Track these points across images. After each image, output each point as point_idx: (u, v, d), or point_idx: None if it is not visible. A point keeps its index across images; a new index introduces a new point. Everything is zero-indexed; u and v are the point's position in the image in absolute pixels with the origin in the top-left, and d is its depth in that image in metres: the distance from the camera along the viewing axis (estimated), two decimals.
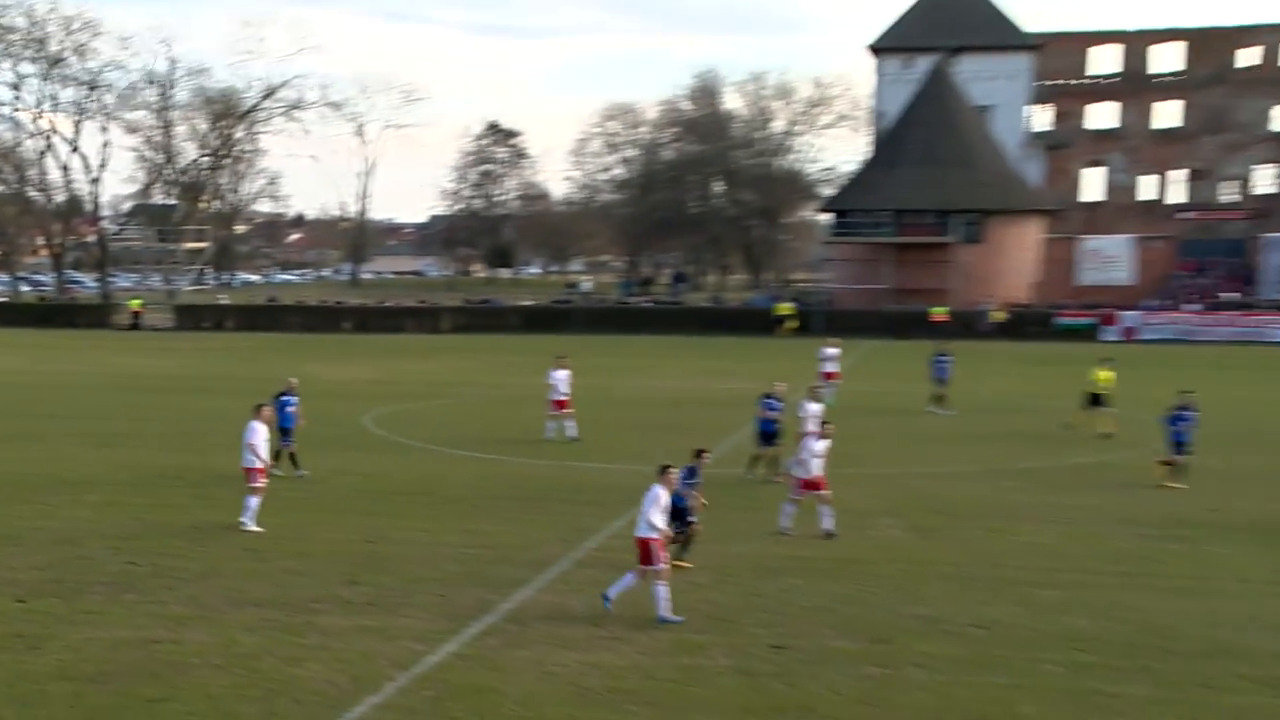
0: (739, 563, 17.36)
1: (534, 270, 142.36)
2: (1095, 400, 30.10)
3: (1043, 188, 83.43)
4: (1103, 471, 25.38)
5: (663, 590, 14.48)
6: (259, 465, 19.34)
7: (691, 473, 16.99)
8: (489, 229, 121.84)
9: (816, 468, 18.93)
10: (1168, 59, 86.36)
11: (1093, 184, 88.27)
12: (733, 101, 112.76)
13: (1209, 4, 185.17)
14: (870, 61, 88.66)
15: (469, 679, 12.65)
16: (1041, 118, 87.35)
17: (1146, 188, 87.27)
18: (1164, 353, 58.91)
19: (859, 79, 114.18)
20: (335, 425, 30.55)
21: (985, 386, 40.70)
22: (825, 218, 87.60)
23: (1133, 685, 12.56)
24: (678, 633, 14.15)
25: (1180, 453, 23.17)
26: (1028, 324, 66.99)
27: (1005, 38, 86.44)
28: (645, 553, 14.54)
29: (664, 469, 15.01)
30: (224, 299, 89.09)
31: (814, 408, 23.25)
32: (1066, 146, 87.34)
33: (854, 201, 78.23)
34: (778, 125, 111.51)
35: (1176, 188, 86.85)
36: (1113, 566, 17.42)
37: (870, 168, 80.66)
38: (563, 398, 28.83)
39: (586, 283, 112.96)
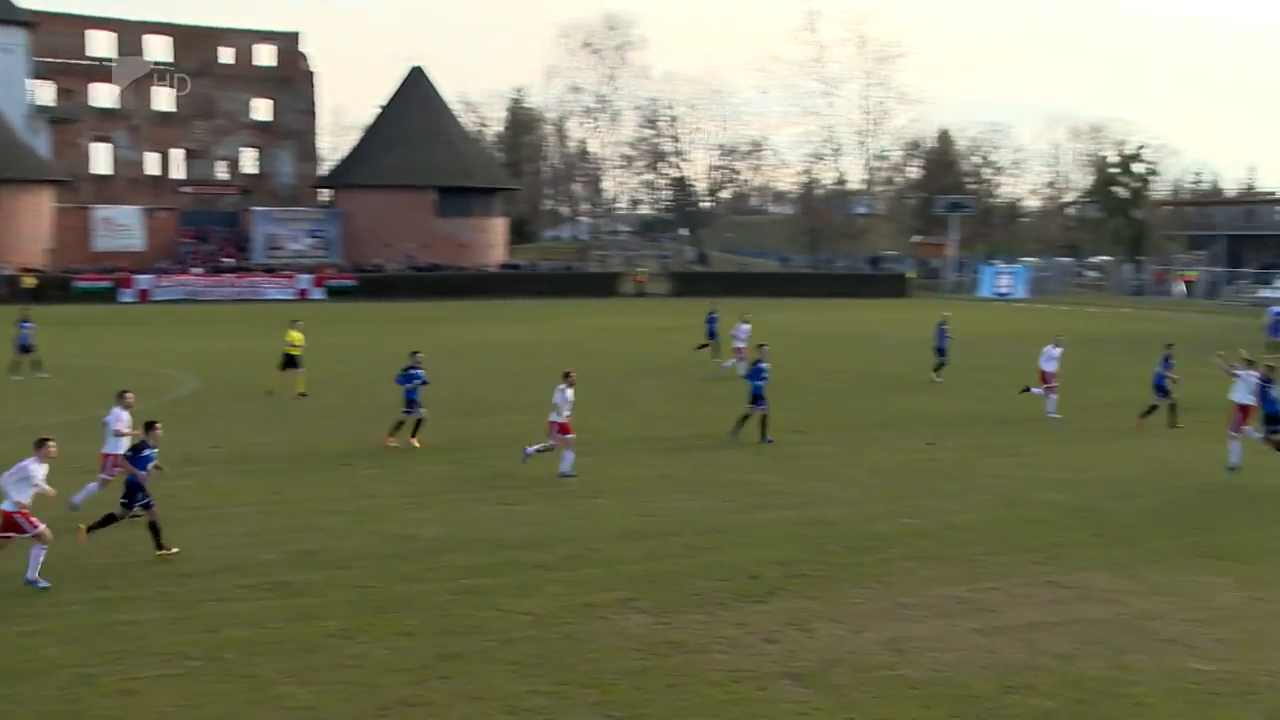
0: None
1: None
2: (290, 362, 28.01)
3: (52, 159, 78.08)
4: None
5: (39, 553, 12.96)
6: None
7: (139, 449, 14.12)
8: None
9: (123, 445, 15.86)
10: (159, 49, 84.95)
11: (102, 158, 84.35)
12: None
13: (193, 4, 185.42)
14: None
15: None
16: (45, 93, 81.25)
17: (151, 163, 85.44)
18: (176, 311, 59.02)
19: None
20: None
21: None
22: None
23: (151, 611, 12.46)
24: None
25: (411, 411, 21.27)
26: (50, 288, 62.64)
27: None
28: (8, 524, 12.66)
29: (41, 441, 12.88)
30: None
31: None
32: (73, 121, 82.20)
33: None
34: None
35: (178, 164, 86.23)
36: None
37: None
38: None
39: None
